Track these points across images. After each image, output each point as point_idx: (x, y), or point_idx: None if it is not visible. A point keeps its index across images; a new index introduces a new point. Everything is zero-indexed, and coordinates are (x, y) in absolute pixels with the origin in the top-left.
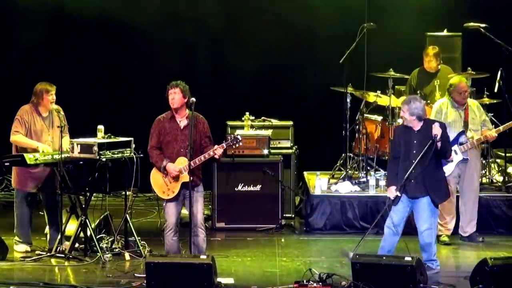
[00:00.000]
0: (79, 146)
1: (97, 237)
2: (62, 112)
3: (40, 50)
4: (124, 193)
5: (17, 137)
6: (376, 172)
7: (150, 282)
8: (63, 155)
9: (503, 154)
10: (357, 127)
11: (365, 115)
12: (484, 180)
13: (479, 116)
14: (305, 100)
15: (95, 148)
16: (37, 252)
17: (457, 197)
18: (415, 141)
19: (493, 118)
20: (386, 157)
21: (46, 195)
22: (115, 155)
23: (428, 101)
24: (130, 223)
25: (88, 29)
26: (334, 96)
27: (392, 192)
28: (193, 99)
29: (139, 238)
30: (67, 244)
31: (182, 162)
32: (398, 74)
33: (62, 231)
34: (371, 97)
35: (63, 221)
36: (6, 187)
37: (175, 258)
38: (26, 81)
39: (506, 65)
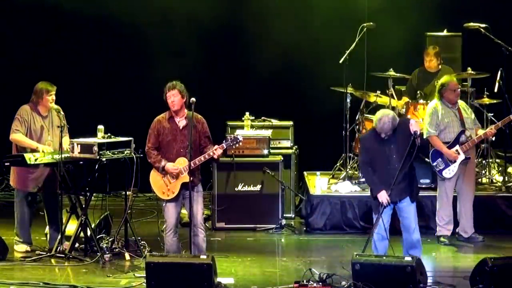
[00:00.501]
0: (79, 146)
1: (97, 237)
2: (62, 112)
3: (40, 49)
4: (124, 193)
5: (17, 136)
6: None
7: (150, 282)
8: (63, 155)
9: (503, 154)
10: (357, 127)
11: (365, 115)
12: (484, 180)
13: (470, 114)
14: (305, 100)
15: (95, 148)
16: (37, 252)
17: (454, 197)
18: (392, 146)
19: (493, 118)
20: None
21: (46, 195)
22: (115, 155)
23: (428, 101)
24: (130, 223)
25: (88, 29)
26: (334, 96)
27: (385, 197)
28: (193, 99)
29: (139, 238)
30: (67, 244)
31: (181, 163)
32: (398, 74)
33: (62, 231)
34: (371, 97)
35: (63, 221)
36: (6, 187)
37: (175, 258)
38: (26, 81)
39: (506, 65)
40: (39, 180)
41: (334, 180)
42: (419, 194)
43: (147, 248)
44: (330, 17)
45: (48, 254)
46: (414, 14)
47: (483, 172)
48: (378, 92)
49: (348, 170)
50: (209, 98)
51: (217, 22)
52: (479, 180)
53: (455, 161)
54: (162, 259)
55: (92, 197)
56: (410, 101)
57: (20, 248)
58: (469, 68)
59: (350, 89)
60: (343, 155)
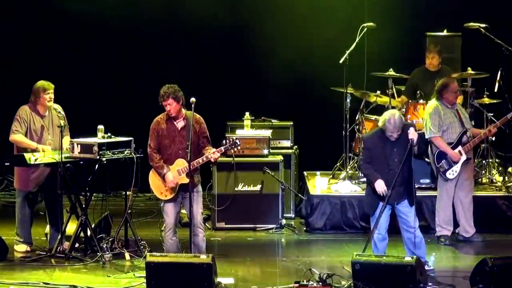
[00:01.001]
0: (79, 146)
1: (97, 237)
2: (62, 112)
3: (40, 49)
4: (124, 193)
5: (17, 136)
6: None
7: (150, 282)
8: (63, 155)
9: (503, 154)
10: (357, 127)
11: (365, 115)
12: (484, 180)
13: (465, 114)
14: (305, 100)
15: (95, 148)
16: (37, 252)
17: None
18: (394, 149)
19: (493, 118)
20: None
21: (46, 195)
22: (115, 155)
23: (428, 101)
24: (130, 223)
25: (89, 29)
26: (334, 96)
27: (382, 187)
28: (193, 99)
29: (139, 238)
30: (67, 244)
31: (180, 164)
32: (398, 74)
33: (62, 231)
34: (371, 97)
35: (63, 221)
36: (6, 187)
37: (175, 258)
38: (26, 81)
39: (506, 65)
40: (39, 179)
41: (334, 180)
42: (419, 194)
43: (147, 248)
44: (330, 17)
45: (48, 254)
46: (414, 14)
47: (483, 172)
48: (378, 92)
49: (348, 170)
50: (209, 98)
51: (217, 22)
52: (479, 180)
53: (458, 162)
54: (162, 259)
55: (92, 197)
56: (410, 101)
57: (20, 248)
58: (469, 68)
59: (350, 89)
60: (343, 155)
